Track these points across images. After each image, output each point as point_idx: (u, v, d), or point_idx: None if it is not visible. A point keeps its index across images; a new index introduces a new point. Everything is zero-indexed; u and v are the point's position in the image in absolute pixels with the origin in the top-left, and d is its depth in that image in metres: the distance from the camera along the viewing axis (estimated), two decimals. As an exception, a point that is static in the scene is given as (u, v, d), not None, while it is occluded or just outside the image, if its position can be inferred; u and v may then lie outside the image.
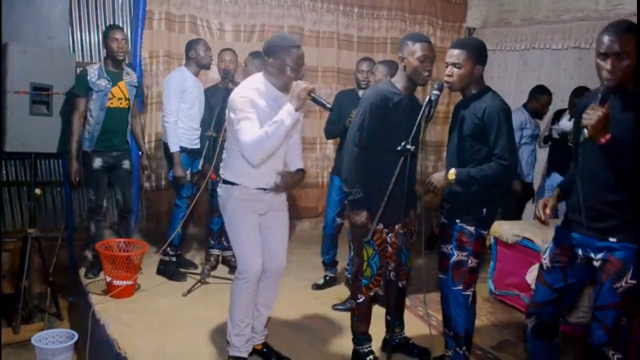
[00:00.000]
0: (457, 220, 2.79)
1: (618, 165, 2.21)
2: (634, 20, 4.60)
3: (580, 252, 2.41)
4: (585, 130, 2.15)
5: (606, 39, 2.19)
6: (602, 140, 2.13)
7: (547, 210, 2.49)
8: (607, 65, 2.19)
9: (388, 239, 2.99)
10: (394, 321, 3.23)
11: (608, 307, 2.29)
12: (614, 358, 2.29)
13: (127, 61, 4.21)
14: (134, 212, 4.73)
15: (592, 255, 2.36)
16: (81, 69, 4.77)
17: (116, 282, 3.80)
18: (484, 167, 2.67)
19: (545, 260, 2.54)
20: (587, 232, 2.36)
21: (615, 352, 2.29)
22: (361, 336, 3.09)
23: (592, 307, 2.41)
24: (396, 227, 2.97)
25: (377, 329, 3.16)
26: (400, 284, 3.18)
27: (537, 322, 2.54)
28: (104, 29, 4.93)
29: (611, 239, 2.29)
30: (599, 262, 2.33)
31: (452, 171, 2.71)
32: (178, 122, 4.17)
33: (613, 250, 2.28)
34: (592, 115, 2.12)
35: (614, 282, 2.26)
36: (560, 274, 2.47)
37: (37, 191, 3.95)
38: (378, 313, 3.19)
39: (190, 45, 4.27)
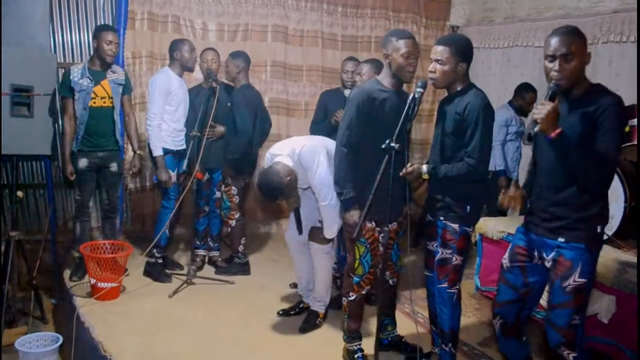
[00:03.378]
0: (441, 218, 2.80)
1: (566, 163, 2.26)
2: (615, 16, 4.70)
3: (536, 252, 2.46)
4: (537, 125, 2.22)
5: (553, 41, 2.26)
6: (552, 134, 2.20)
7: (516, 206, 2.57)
8: (554, 66, 2.26)
9: (381, 238, 2.98)
10: (386, 319, 3.25)
11: (559, 306, 2.34)
12: (570, 358, 2.32)
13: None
14: (119, 212, 4.70)
15: (545, 255, 2.41)
16: (63, 69, 4.75)
17: (101, 285, 3.76)
18: (454, 165, 2.70)
19: (505, 260, 2.58)
20: (540, 232, 2.42)
21: (571, 351, 2.33)
22: (351, 334, 3.09)
23: (546, 308, 2.45)
24: (390, 225, 2.95)
25: (369, 328, 3.17)
26: (391, 282, 3.19)
27: (502, 322, 2.57)
28: (86, 29, 4.92)
29: (560, 239, 2.34)
30: (550, 262, 2.39)
31: (424, 170, 2.74)
32: (162, 125, 4.13)
33: (562, 250, 2.33)
34: (542, 109, 2.20)
35: (562, 282, 2.31)
36: (520, 274, 2.51)
37: (19, 193, 3.90)
38: (370, 312, 3.19)
39: (175, 46, 4.23)
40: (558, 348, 2.35)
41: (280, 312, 3.71)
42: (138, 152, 4.27)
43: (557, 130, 2.19)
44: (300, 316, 3.67)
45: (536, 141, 2.44)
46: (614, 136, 2.20)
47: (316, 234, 3.43)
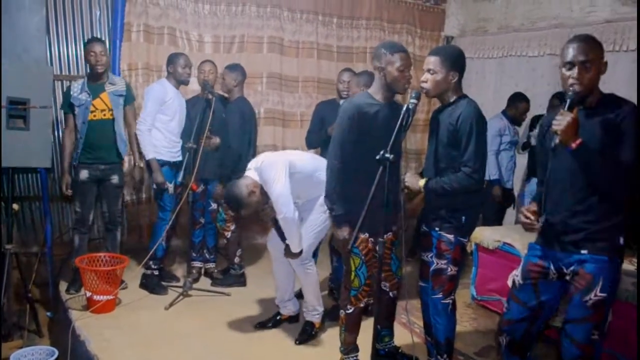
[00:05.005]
0: (436, 228, 2.80)
1: (588, 173, 2.23)
2: (608, 26, 4.75)
3: (552, 266, 2.40)
4: (556, 137, 2.19)
5: (571, 48, 2.24)
6: (573, 145, 2.16)
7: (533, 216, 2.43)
8: (573, 73, 2.23)
9: (377, 248, 2.97)
10: (383, 330, 3.24)
11: (578, 321, 2.29)
12: None
13: (107, 72, 4.18)
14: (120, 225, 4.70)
15: (564, 269, 2.36)
16: (60, 82, 4.77)
17: (96, 297, 3.75)
18: (451, 177, 2.70)
19: (517, 277, 2.51)
20: (560, 246, 2.36)
21: None
22: (348, 346, 3.08)
23: (563, 321, 2.40)
24: (385, 236, 2.89)
25: (366, 338, 3.15)
26: (391, 294, 3.18)
27: (510, 340, 2.52)
28: (82, 41, 4.93)
29: (582, 251, 2.28)
30: (570, 276, 2.33)
31: (422, 183, 2.74)
32: (157, 133, 4.15)
33: (583, 263, 2.28)
34: (561, 120, 2.16)
35: (583, 296, 2.26)
36: (532, 291, 2.45)
37: (15, 206, 3.89)
38: (367, 322, 3.18)
39: (170, 60, 4.27)
40: None
41: (257, 325, 3.69)
42: (138, 163, 4.29)
43: (578, 141, 2.16)
44: (283, 328, 3.69)
45: (553, 153, 2.36)
46: (635, 142, 2.18)
47: (288, 249, 3.40)
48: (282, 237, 3.46)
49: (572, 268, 2.32)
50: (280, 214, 3.23)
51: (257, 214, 3.45)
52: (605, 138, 2.21)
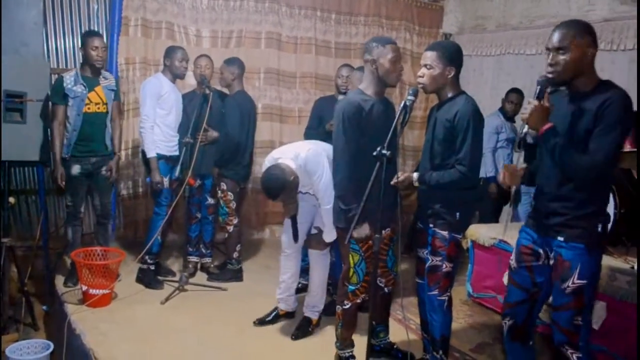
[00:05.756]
0: (431, 225, 2.80)
1: (556, 159, 2.25)
2: (606, 25, 4.75)
3: (541, 250, 2.44)
4: (526, 125, 2.26)
5: (551, 35, 2.27)
6: (542, 130, 2.22)
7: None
8: (548, 59, 2.27)
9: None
10: (379, 326, 3.24)
11: (560, 307, 2.34)
12: (574, 357, 2.31)
13: (104, 67, 4.17)
14: (112, 218, 4.69)
15: (549, 252, 2.40)
16: (56, 75, 4.75)
17: (92, 291, 3.75)
18: (444, 173, 2.70)
19: (512, 261, 2.56)
20: (543, 230, 2.41)
21: (575, 351, 2.32)
22: (344, 341, 3.09)
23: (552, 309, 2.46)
24: (383, 232, 2.91)
25: (361, 334, 3.16)
26: (386, 290, 3.18)
27: (512, 323, 2.55)
28: (79, 35, 4.92)
29: (559, 238, 2.33)
30: (552, 262, 2.38)
31: (415, 177, 2.75)
32: (155, 128, 4.15)
33: (561, 249, 2.32)
34: (527, 107, 2.24)
35: (562, 283, 2.30)
36: (527, 274, 2.49)
37: (11, 200, 3.89)
38: (363, 318, 3.19)
39: (168, 53, 4.26)
40: (562, 347, 2.35)
41: (257, 322, 3.68)
42: (118, 153, 4.27)
43: (546, 126, 2.21)
44: (279, 323, 3.69)
45: (523, 138, 2.43)
46: (612, 132, 2.15)
47: (314, 241, 3.41)
48: (296, 233, 3.46)
49: (553, 254, 2.37)
50: (328, 204, 3.16)
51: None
52: (587, 126, 2.21)
